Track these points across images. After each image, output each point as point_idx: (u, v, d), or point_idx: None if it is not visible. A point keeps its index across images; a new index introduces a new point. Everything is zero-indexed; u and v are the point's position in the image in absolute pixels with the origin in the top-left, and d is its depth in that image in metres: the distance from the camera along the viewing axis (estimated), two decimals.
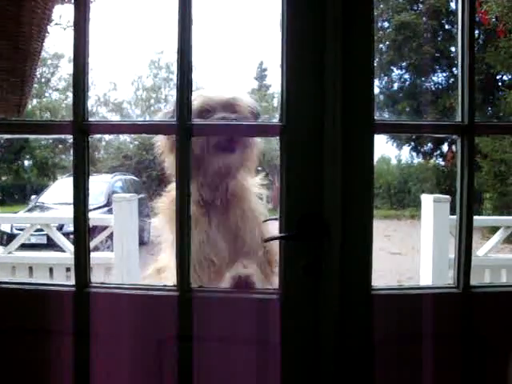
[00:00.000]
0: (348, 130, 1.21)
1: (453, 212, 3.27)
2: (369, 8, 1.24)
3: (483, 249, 3.75)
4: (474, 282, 1.29)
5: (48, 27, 1.36)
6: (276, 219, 1.29)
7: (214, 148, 1.47)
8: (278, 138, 1.26)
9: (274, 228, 1.36)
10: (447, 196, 3.67)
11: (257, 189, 1.62)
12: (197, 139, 1.39)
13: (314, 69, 1.21)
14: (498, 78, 11.26)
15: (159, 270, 1.60)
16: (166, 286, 1.32)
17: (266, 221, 1.54)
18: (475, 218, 1.30)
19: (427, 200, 3.76)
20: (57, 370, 1.26)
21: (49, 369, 1.26)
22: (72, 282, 1.29)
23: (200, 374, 1.23)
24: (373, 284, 1.26)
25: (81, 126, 1.27)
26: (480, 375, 1.27)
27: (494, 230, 4.15)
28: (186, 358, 1.23)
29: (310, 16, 1.21)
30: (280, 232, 1.25)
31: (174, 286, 1.27)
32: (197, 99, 1.49)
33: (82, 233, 1.29)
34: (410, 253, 7.20)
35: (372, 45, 1.25)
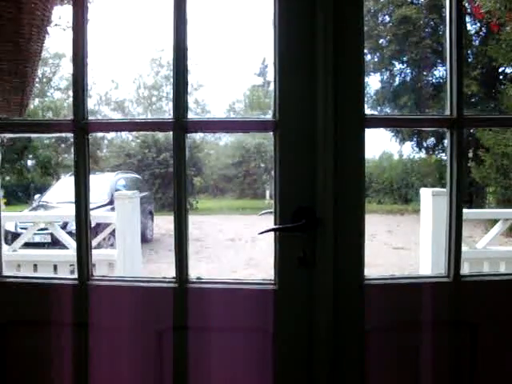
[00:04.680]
0: (339, 124, 1.24)
1: None
2: (359, 4, 1.27)
3: (482, 241, 3.77)
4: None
5: (48, 28, 1.39)
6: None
7: None
8: (271, 133, 1.29)
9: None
10: (445, 189, 3.69)
11: None
12: None
13: (306, 65, 1.24)
14: (500, 71, 11.21)
15: None
16: (165, 277, 1.36)
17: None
18: (474, 211, 1.34)
19: (426, 194, 3.80)
20: (58, 359, 1.31)
21: (51, 358, 1.31)
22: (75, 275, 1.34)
23: (197, 363, 1.28)
24: (365, 274, 1.29)
25: (81, 125, 1.31)
26: (471, 361, 1.31)
27: (496, 223, 4.16)
28: (184, 347, 1.27)
29: (301, 13, 1.24)
30: (275, 224, 1.28)
31: (173, 277, 1.31)
32: None
33: (84, 227, 1.33)
34: (413, 247, 7.21)
35: (362, 40, 1.28)
